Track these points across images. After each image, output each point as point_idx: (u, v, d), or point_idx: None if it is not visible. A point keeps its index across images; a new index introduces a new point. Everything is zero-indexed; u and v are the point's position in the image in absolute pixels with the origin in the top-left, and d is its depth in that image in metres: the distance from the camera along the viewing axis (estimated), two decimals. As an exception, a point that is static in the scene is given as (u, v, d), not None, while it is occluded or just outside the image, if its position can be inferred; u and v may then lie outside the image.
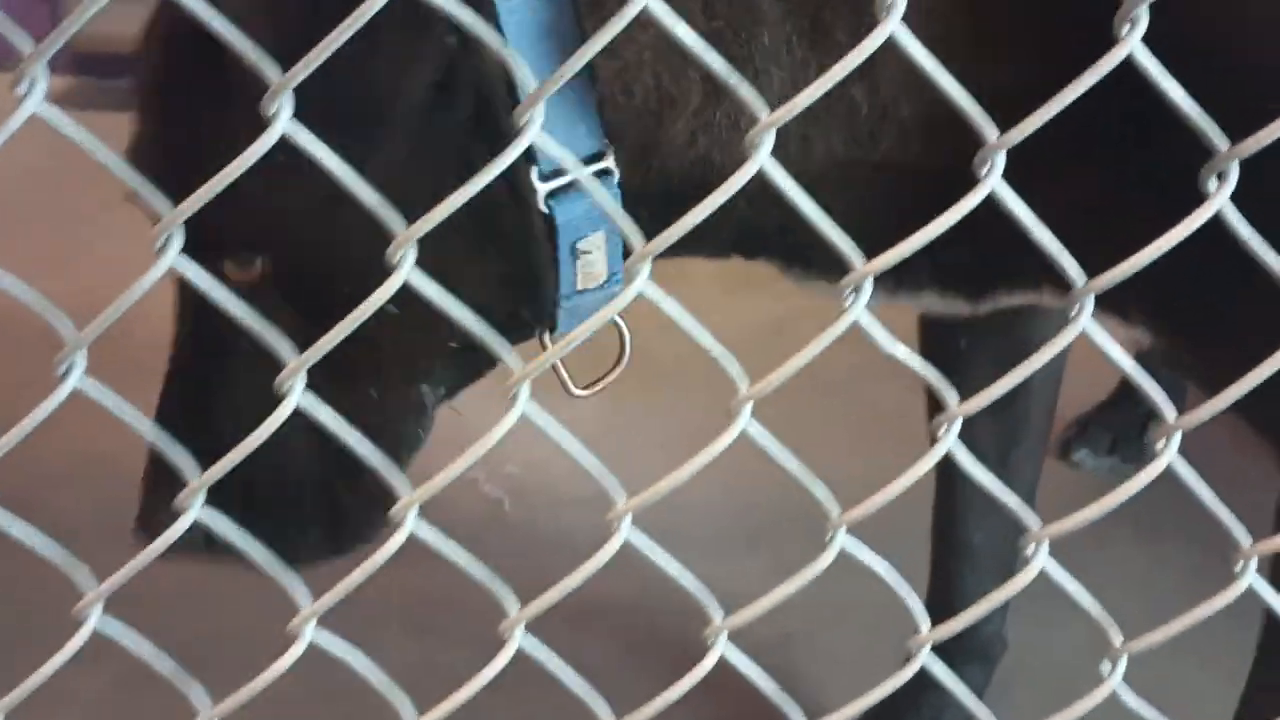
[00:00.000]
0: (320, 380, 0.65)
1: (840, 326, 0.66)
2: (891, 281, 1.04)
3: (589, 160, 0.94)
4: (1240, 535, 0.76)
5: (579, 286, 0.98)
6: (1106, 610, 0.75)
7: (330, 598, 0.68)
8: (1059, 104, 0.62)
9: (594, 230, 0.96)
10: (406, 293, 0.62)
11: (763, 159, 0.62)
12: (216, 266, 0.89)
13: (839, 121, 0.94)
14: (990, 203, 0.64)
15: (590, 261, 0.97)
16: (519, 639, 0.70)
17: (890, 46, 0.60)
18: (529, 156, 0.92)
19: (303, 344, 0.65)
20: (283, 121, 0.58)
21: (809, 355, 0.66)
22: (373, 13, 0.56)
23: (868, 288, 0.66)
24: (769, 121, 0.61)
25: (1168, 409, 0.71)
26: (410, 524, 0.66)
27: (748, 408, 0.68)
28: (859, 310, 0.66)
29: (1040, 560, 0.74)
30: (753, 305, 1.80)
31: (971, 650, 1.41)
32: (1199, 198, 0.64)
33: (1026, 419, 1.34)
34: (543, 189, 0.94)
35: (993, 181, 0.64)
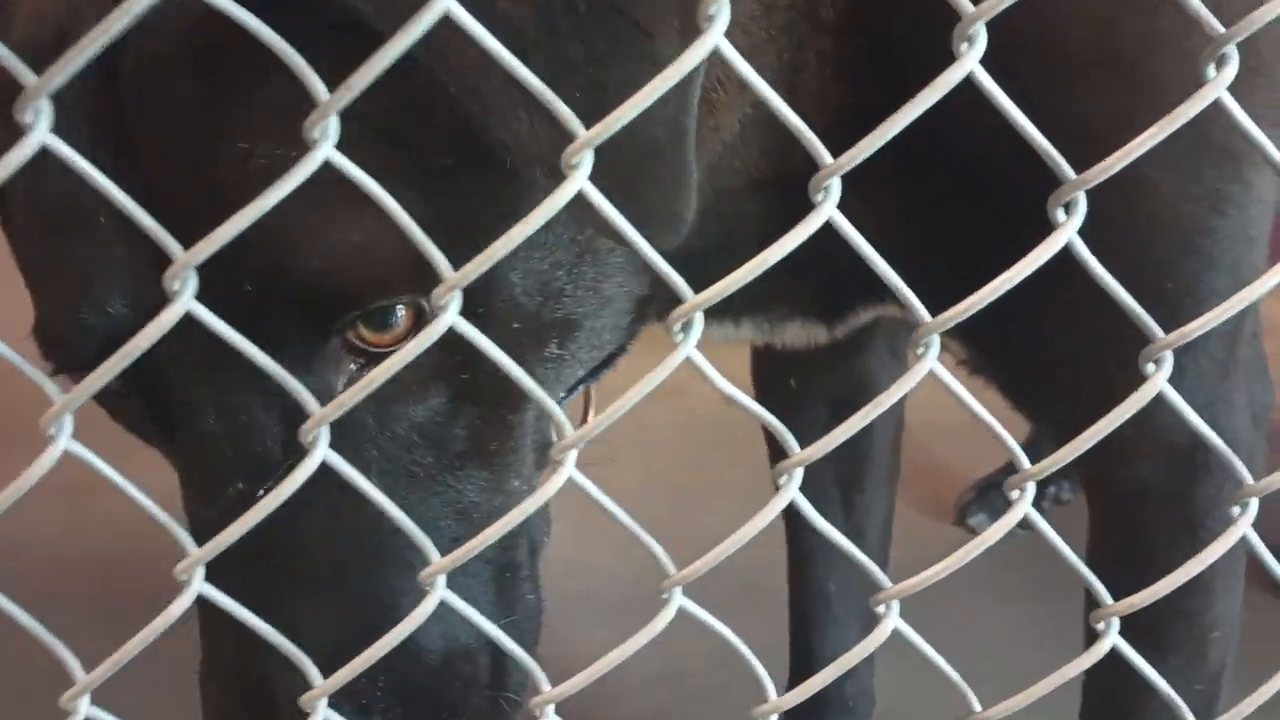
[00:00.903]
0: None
1: (672, 364, 0.61)
2: (761, 314, 1.01)
3: None
4: (1103, 593, 0.72)
5: None
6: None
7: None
8: (895, 126, 0.58)
9: None
10: None
11: (581, 181, 0.57)
12: (341, 336, 0.72)
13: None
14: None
15: None
16: None
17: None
18: None
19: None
20: None
21: (632, 401, 0.61)
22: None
23: (698, 323, 0.61)
24: (586, 139, 0.57)
25: (1023, 458, 0.67)
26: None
27: (571, 455, 0.63)
28: (689, 348, 0.61)
29: (892, 620, 0.69)
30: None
31: (837, 707, 1.36)
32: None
33: (870, 458, 1.31)
34: None
35: (828, 209, 0.59)
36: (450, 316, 0.58)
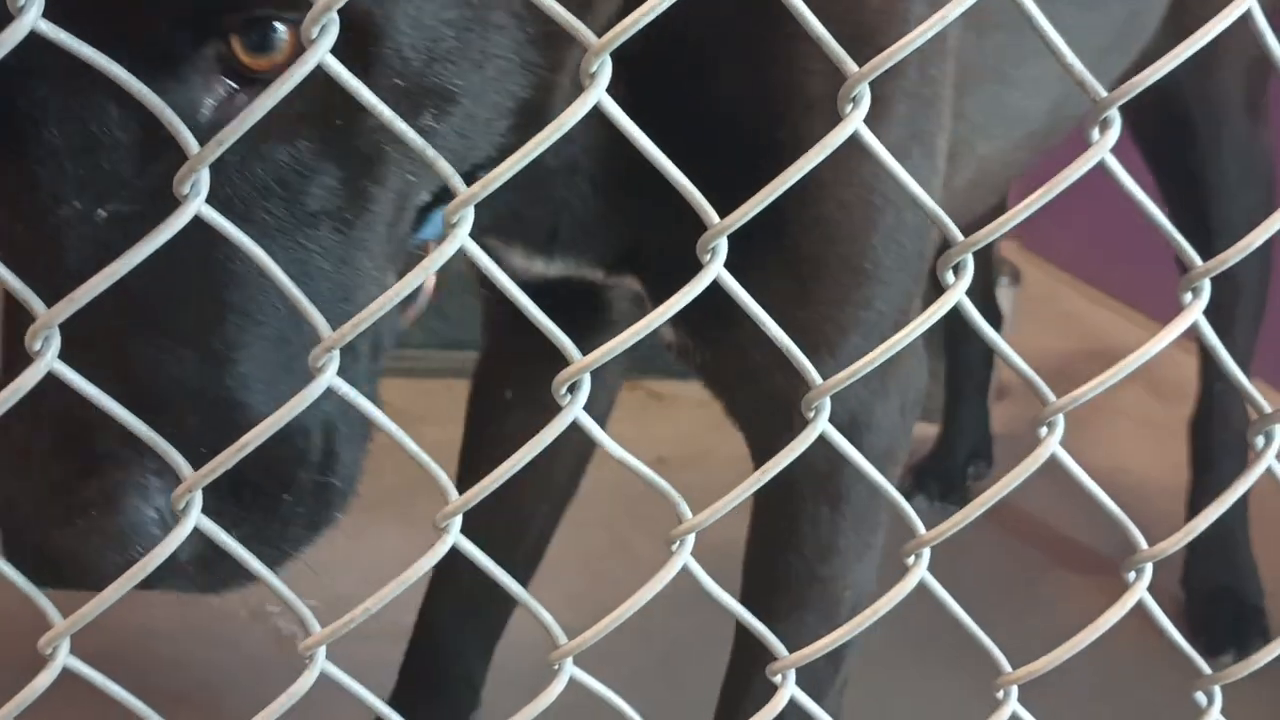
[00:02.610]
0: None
1: (559, 426, 0.60)
2: (571, 256, 1.00)
3: None
4: (1001, 661, 0.71)
5: None
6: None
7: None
8: (783, 184, 0.58)
9: None
10: None
11: (462, 239, 0.56)
12: (216, 49, 0.65)
13: None
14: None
15: None
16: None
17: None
18: None
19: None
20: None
21: (517, 465, 0.60)
22: None
23: (585, 384, 0.60)
24: (466, 196, 0.56)
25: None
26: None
27: (456, 521, 0.61)
28: (576, 409, 0.60)
29: (788, 689, 0.68)
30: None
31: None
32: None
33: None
34: None
35: (715, 268, 0.59)
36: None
